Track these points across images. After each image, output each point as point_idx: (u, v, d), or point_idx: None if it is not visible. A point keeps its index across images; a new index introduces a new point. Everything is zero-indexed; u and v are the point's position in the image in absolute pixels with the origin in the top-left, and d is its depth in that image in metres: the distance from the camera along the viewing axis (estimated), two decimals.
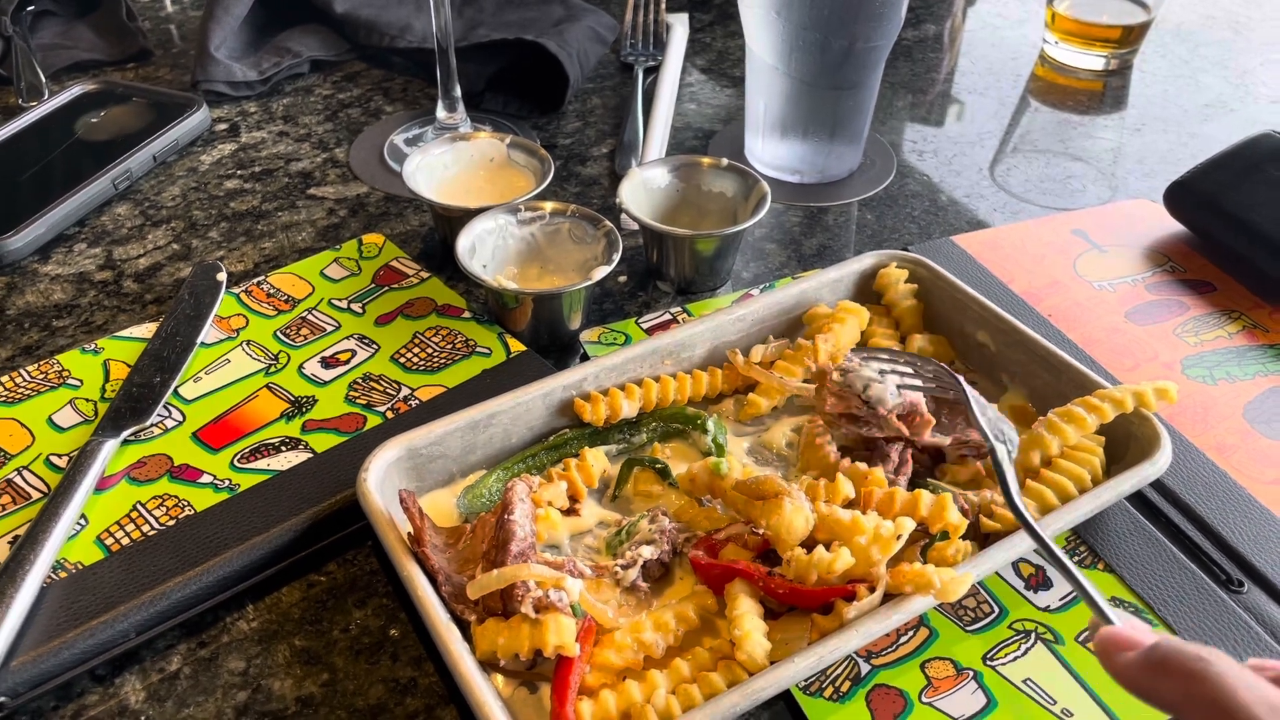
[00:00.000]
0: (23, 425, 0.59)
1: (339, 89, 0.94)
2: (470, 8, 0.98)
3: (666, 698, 0.44)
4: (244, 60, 0.93)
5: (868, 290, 0.67)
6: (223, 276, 0.69)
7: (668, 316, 0.68)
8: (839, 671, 0.48)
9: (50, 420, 0.59)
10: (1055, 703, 0.47)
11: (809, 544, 0.49)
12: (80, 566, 0.51)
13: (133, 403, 0.59)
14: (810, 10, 0.72)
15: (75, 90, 0.88)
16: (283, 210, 0.78)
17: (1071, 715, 0.47)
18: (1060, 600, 0.52)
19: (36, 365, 0.63)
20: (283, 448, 0.58)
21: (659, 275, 0.72)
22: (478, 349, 0.64)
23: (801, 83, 0.76)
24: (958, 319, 0.64)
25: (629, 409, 0.58)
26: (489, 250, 0.68)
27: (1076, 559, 0.53)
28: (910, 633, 0.50)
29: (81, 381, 0.62)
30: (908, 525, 0.48)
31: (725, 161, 0.73)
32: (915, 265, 0.66)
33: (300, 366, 0.63)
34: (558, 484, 0.54)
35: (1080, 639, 0.50)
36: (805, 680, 0.48)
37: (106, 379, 0.62)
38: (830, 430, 0.56)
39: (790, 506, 0.49)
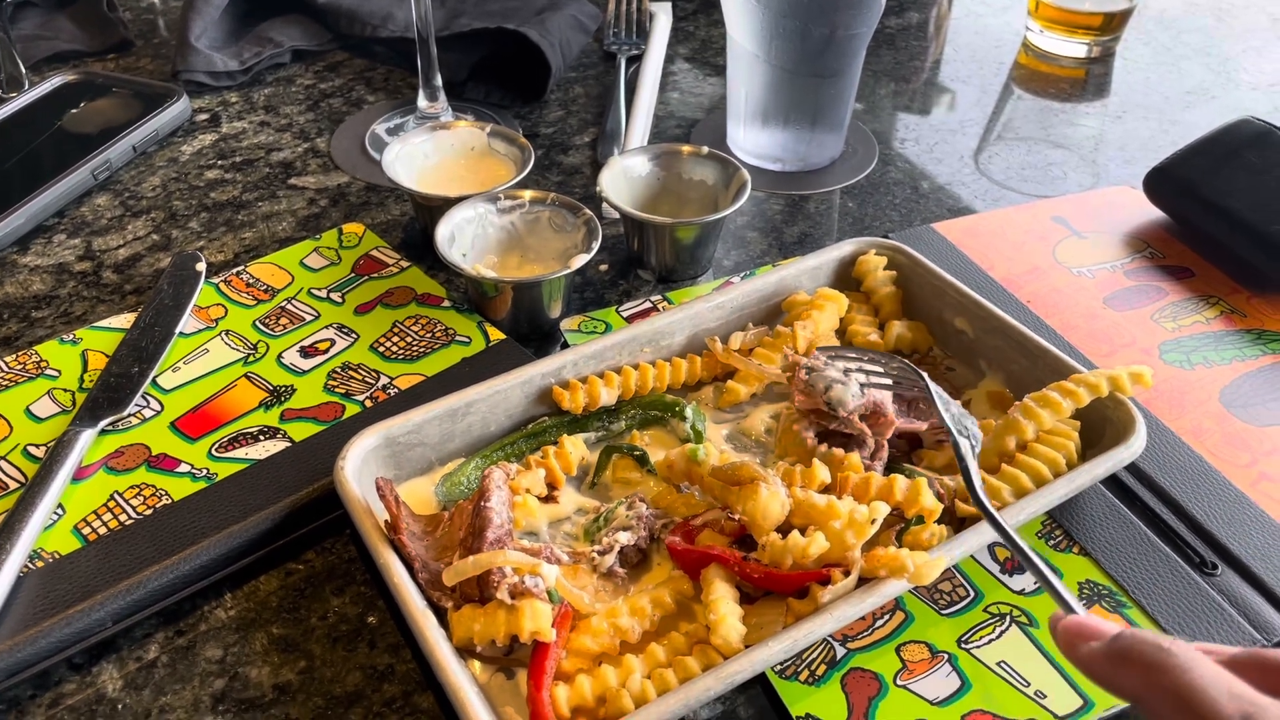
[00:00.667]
0: (0, 416, 0.59)
1: (321, 79, 0.94)
2: None
3: (642, 682, 0.44)
4: (225, 50, 0.93)
5: (847, 277, 0.67)
6: (202, 266, 0.69)
7: (648, 305, 0.68)
8: (815, 655, 0.48)
9: (28, 411, 0.59)
10: (1029, 685, 0.47)
11: (785, 529, 0.49)
12: (57, 556, 0.51)
13: (110, 393, 0.59)
14: None
15: (55, 81, 0.88)
16: (263, 200, 0.78)
17: (1045, 697, 0.47)
18: (1034, 584, 0.52)
19: (14, 356, 0.63)
20: (261, 437, 0.58)
21: (640, 264, 0.72)
22: (457, 338, 0.64)
23: (782, 70, 0.76)
24: (936, 305, 0.64)
25: (608, 397, 0.58)
26: (469, 239, 0.68)
27: (1052, 543, 0.54)
28: (886, 616, 0.50)
29: (60, 372, 0.62)
30: (882, 510, 0.48)
31: (706, 149, 0.73)
32: (894, 252, 0.66)
33: (279, 356, 0.63)
34: (536, 471, 0.55)
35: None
36: (780, 664, 0.48)
37: (85, 369, 0.62)
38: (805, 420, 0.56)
39: (766, 492, 0.49)
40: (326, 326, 0.65)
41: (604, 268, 0.72)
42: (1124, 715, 0.47)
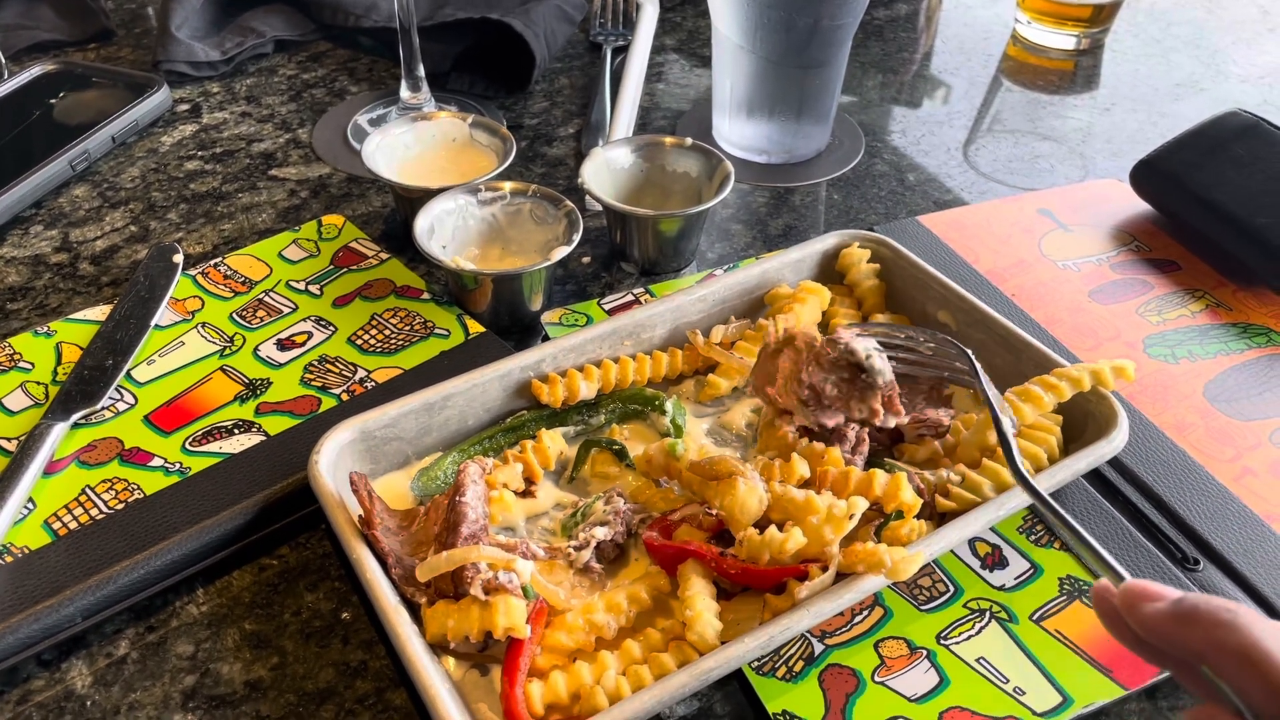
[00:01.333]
0: None
1: (303, 69, 0.93)
2: None
3: (616, 678, 0.44)
4: (207, 40, 0.92)
5: (830, 270, 0.66)
6: (179, 258, 0.68)
7: (630, 298, 0.68)
8: (792, 651, 0.48)
9: (0, 404, 0.58)
10: (1008, 681, 0.47)
11: (763, 524, 0.48)
12: (27, 550, 0.51)
13: (83, 385, 0.59)
14: None
15: (35, 71, 0.87)
16: (243, 192, 0.78)
17: (1024, 694, 0.47)
18: (1015, 579, 0.51)
19: None
20: (235, 430, 0.57)
21: (623, 256, 0.71)
22: (436, 330, 0.64)
23: (767, 61, 0.76)
24: (919, 298, 0.63)
25: (587, 390, 0.57)
26: (449, 231, 0.67)
27: (1033, 539, 0.53)
28: (865, 612, 0.50)
29: (33, 365, 0.61)
30: (860, 505, 0.47)
31: (689, 141, 0.72)
32: (877, 245, 0.65)
33: (256, 349, 0.62)
34: (513, 466, 0.54)
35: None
36: (758, 660, 0.47)
37: (59, 362, 0.61)
38: (779, 417, 0.55)
39: (744, 487, 0.48)
40: (304, 319, 0.65)
41: (586, 260, 0.72)
42: (1102, 713, 0.46)
